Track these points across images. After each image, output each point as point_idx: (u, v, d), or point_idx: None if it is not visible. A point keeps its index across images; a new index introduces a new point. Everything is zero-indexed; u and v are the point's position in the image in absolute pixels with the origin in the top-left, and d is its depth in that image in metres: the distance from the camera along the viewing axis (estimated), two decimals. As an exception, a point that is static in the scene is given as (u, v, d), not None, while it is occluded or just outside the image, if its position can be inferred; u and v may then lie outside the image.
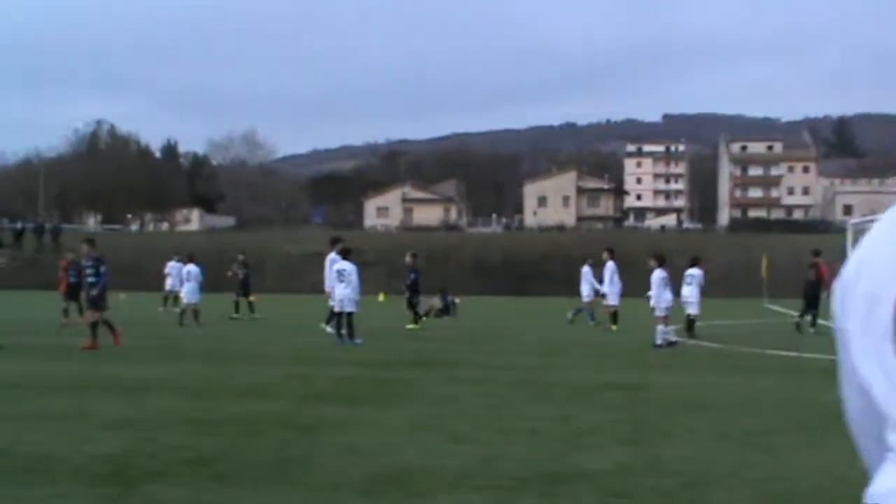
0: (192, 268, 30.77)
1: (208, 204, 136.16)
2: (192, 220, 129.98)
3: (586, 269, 29.99)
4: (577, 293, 30.92)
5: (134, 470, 7.69)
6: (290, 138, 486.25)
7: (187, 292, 30.25)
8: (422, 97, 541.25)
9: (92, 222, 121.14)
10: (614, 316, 28.18)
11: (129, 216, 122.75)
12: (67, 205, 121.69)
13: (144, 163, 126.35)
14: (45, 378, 14.05)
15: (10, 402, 11.39)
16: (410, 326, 27.72)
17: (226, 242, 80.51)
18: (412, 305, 28.68)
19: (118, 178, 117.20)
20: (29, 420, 10.09)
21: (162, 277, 38.60)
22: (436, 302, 37.28)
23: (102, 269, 19.79)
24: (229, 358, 17.80)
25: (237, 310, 32.73)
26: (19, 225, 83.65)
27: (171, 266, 36.97)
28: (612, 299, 28.61)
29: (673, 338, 21.73)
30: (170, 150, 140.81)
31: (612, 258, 28.93)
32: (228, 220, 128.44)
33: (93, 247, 20.32)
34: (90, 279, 19.71)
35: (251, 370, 15.49)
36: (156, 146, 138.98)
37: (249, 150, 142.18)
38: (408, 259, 29.92)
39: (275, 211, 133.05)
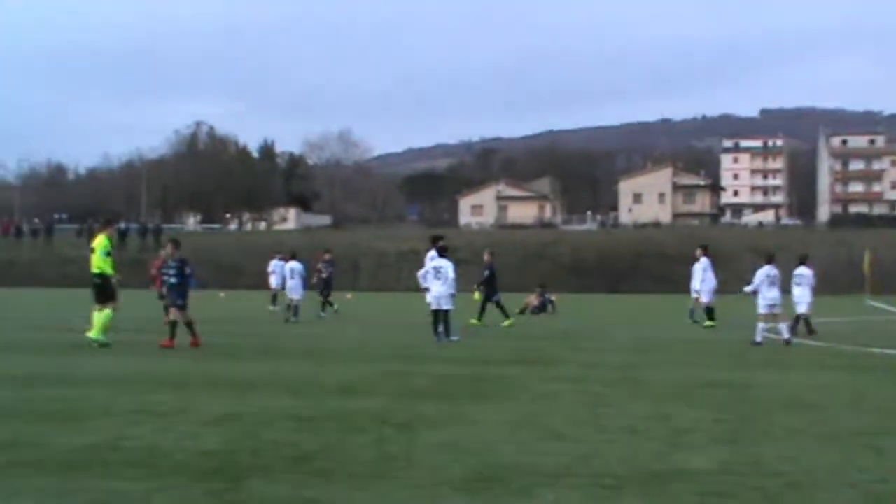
0: (294, 265, 31.23)
1: (305, 203, 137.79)
2: (289, 219, 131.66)
3: (697, 266, 29.52)
4: (686, 290, 30.39)
5: (237, 465, 7.79)
6: (385, 137, 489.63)
7: (291, 289, 30.70)
8: (516, 95, 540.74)
9: (192, 222, 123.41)
10: (710, 312, 27.79)
11: (228, 216, 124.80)
12: (168, 205, 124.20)
13: (242, 163, 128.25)
14: (150, 375, 14.33)
15: (115, 398, 11.64)
16: (506, 324, 27.65)
17: (322, 241, 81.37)
18: (497, 304, 28.55)
19: (217, 178, 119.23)
20: (134, 415, 10.30)
21: (265, 276, 39.10)
22: (532, 299, 37.15)
23: (187, 269, 20.17)
24: (327, 355, 17.97)
25: (323, 308, 32.88)
26: (122, 225, 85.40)
27: (274, 264, 37.37)
28: (706, 297, 28.23)
29: (786, 334, 21.19)
30: (267, 150, 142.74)
31: (705, 254, 28.60)
32: (324, 219, 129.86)
33: (177, 248, 20.57)
34: (172, 280, 20.05)
35: (349, 367, 15.62)
36: (253, 146, 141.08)
37: (345, 150, 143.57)
38: (486, 257, 29.91)
39: (370, 209, 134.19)
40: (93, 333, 19.30)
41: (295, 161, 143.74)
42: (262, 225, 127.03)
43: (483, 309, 28.48)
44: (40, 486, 7.08)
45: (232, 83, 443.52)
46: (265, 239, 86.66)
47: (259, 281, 65.51)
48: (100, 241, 19.95)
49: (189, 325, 19.55)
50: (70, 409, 10.70)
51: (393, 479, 7.37)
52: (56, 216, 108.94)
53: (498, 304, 28.42)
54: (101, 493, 6.85)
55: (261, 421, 9.95)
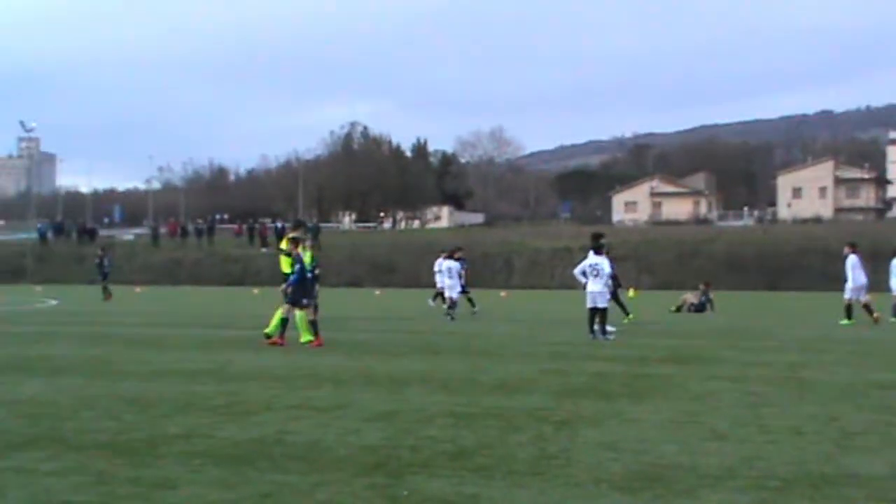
0: (451, 263, 31.45)
1: (457, 201, 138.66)
2: (442, 217, 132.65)
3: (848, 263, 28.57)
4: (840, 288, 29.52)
5: (398, 461, 7.88)
6: (537, 134, 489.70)
7: (449, 287, 30.97)
8: (669, 89, 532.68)
9: (347, 221, 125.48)
10: (848, 311, 27.00)
11: (382, 214, 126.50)
12: (324, 204, 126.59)
13: (396, 162, 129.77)
14: (307, 371, 14.63)
15: (276, 394, 11.92)
16: (626, 320, 27.39)
17: (475, 239, 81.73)
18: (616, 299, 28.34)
19: (371, 177, 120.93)
20: (295, 410, 10.53)
21: (418, 273, 39.45)
22: (689, 296, 36.51)
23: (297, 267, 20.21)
24: (483, 352, 18.03)
25: (473, 304, 32.84)
26: (279, 224, 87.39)
27: (440, 263, 37.48)
28: (850, 294, 27.40)
29: None
30: (420, 148, 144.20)
31: (853, 251, 27.76)
32: (477, 217, 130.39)
33: (296, 246, 20.40)
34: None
35: (506, 365, 15.63)
36: (406, 146, 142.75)
37: (497, 147, 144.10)
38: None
39: (522, 207, 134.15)
40: (302, 338, 19.72)
41: (447, 159, 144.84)
42: (416, 223, 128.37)
43: (621, 306, 28.31)
44: (211, 476, 7.31)
45: (384, 83, 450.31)
46: (419, 237, 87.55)
47: (412, 278, 66.35)
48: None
49: (310, 323, 19.75)
50: (235, 404, 11.01)
51: (552, 477, 7.34)
52: (218, 216, 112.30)
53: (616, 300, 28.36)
54: (268, 486, 7.03)
55: (419, 417, 10.04)
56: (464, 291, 32.73)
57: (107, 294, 45.00)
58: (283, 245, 20.52)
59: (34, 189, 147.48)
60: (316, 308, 20.06)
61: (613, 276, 28.22)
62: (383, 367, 15.14)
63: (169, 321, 28.21)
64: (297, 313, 19.76)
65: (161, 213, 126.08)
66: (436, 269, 36.21)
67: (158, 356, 17.00)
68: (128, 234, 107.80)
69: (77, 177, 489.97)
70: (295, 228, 21.82)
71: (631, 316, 27.80)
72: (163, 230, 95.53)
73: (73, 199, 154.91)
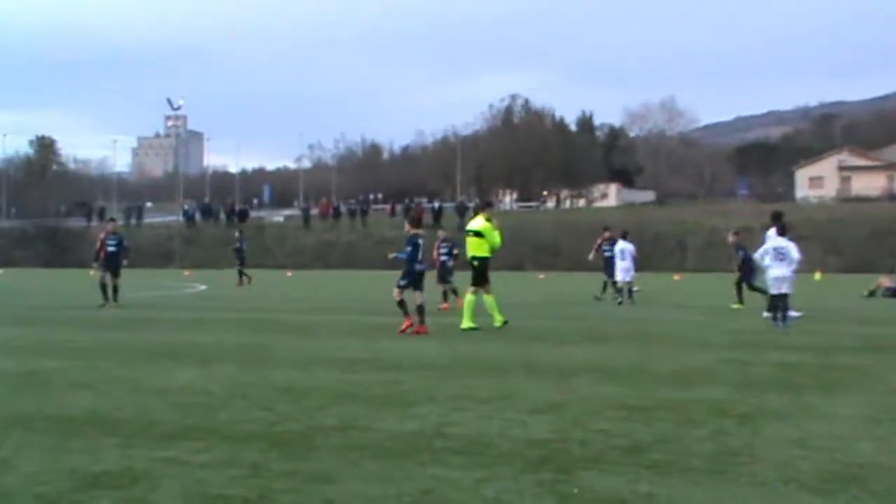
0: (625, 245, 31.18)
1: (626, 178, 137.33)
2: (610, 196, 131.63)
3: None
4: None
5: (566, 456, 7.86)
6: (713, 105, 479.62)
7: (621, 270, 30.78)
8: (859, 53, 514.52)
9: (508, 200, 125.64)
10: None
11: (545, 193, 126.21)
12: (483, 183, 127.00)
13: (559, 137, 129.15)
14: (467, 359, 14.73)
15: (436, 383, 12.04)
16: (736, 306, 27.32)
17: (645, 218, 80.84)
18: (742, 287, 27.73)
19: (533, 153, 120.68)
20: (456, 401, 10.61)
21: (584, 256, 39.17)
22: (885, 280, 35.32)
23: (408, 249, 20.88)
24: (656, 340, 17.84)
25: (604, 289, 32.35)
26: (436, 204, 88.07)
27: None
28: None
29: None
30: (585, 122, 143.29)
31: None
32: (647, 195, 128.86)
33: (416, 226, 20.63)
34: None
35: (681, 353, 15.42)
36: (570, 119, 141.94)
37: (668, 120, 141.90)
38: (730, 238, 29.03)
39: (696, 184, 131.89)
40: (463, 324, 20.09)
41: (615, 133, 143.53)
42: (581, 202, 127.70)
43: (740, 296, 28.17)
44: (370, 470, 7.42)
45: (547, 52, 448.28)
46: (584, 217, 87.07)
47: (578, 262, 66.10)
48: (483, 224, 20.59)
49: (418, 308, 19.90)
50: (393, 394, 11.17)
51: (734, 476, 7.21)
52: (371, 196, 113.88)
53: (741, 287, 27.83)
54: (429, 481, 7.09)
55: (589, 409, 10.00)
56: (609, 275, 32.51)
57: (242, 279, 46.02)
58: (478, 227, 20.57)
59: (181, 169, 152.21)
60: (455, 292, 20.52)
61: (748, 259, 27.75)
62: (549, 356, 15.14)
63: (322, 307, 28.82)
64: (467, 297, 20.10)
65: (312, 193, 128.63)
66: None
67: (312, 343, 17.39)
68: (277, 216, 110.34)
69: (225, 156, 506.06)
70: (483, 208, 22.00)
71: (740, 306, 27.84)
72: (314, 211, 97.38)
73: (221, 180, 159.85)
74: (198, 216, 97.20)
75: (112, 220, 33.90)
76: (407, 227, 20.92)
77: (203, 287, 44.49)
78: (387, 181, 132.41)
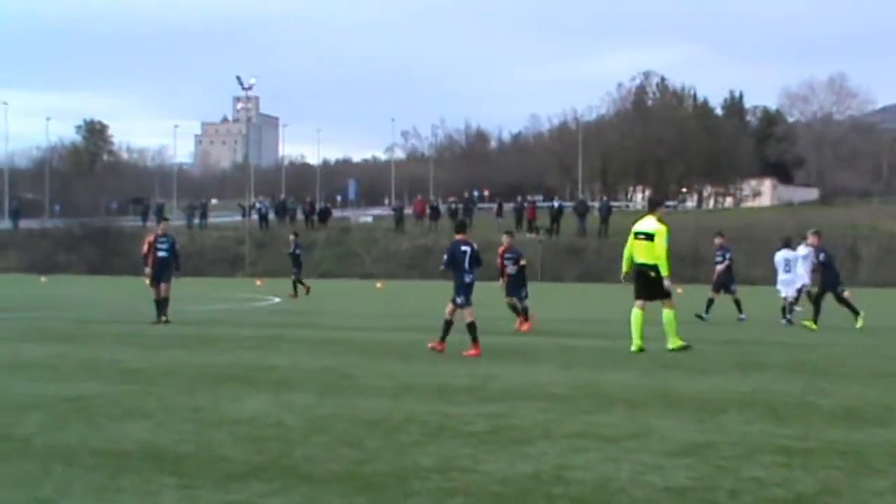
0: (789, 254, 30.75)
1: (783, 172, 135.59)
2: (764, 193, 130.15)
3: None
4: None
5: (712, 508, 7.77)
6: (892, 84, 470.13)
7: (782, 283, 30.49)
8: None
9: (639, 199, 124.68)
10: None
11: (684, 190, 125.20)
12: (610, 177, 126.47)
13: (702, 122, 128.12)
14: (590, 388, 14.70)
15: (552, 416, 11.99)
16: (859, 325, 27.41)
17: (806, 221, 79.65)
18: (814, 295, 28.59)
19: (670, 142, 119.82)
20: (578, 439, 10.56)
21: (751, 267, 38.72)
22: None
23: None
24: (821, 370, 17.59)
25: (709, 307, 31.81)
26: (555, 203, 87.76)
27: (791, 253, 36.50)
28: None
29: None
30: (733, 105, 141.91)
31: None
32: (810, 193, 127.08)
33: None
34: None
35: (851, 386, 15.17)
36: (715, 102, 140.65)
37: (837, 102, 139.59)
38: (810, 239, 29.00)
39: (872, 179, 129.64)
40: (670, 343, 20.19)
41: (770, 118, 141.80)
42: (729, 201, 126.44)
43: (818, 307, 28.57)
44: (473, 521, 7.41)
45: (686, 21, 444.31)
46: (733, 220, 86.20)
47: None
48: (656, 226, 20.64)
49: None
50: (501, 430, 11.15)
51: (922, 538, 7.05)
52: (476, 193, 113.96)
53: (813, 294, 28.63)
54: (546, 535, 7.06)
55: (739, 452, 9.88)
56: (727, 288, 32.27)
57: (297, 289, 46.68)
58: (650, 228, 20.47)
59: (252, 160, 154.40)
60: (525, 311, 21.44)
61: (826, 264, 27.60)
62: (689, 386, 15.00)
63: (416, 324, 28.89)
64: (665, 312, 20.10)
65: (405, 189, 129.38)
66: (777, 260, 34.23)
67: (404, 368, 17.46)
68: (365, 216, 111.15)
69: (303, 145, 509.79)
70: (657, 206, 21.75)
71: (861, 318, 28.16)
72: (408, 210, 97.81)
73: (299, 173, 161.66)
74: (271, 215, 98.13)
75: (165, 219, 33.36)
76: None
77: (277, 299, 44.96)
78: (494, 175, 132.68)
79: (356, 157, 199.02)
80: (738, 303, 31.79)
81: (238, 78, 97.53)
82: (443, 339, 20.54)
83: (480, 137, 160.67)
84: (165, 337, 23.84)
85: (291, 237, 51.10)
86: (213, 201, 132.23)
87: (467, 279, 20.69)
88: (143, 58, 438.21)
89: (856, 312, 28.18)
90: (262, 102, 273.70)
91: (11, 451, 9.96)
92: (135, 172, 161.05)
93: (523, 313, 26.92)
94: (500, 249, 27.43)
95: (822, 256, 28.53)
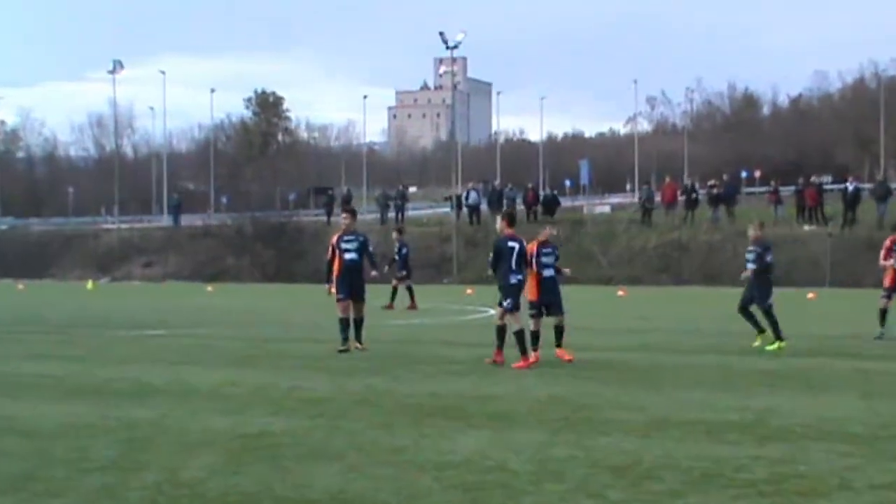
0: None
1: None
2: None
3: None
4: None
5: None
6: None
7: None
8: None
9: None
10: None
11: None
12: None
13: None
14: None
15: (855, 464, 11.79)
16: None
17: None
18: None
19: None
20: (890, 491, 10.36)
21: None
22: None
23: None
24: None
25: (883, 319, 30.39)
26: (849, 185, 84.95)
27: None
28: None
29: None
30: None
31: None
32: None
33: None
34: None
35: None
36: None
37: None
38: None
39: None
40: None
41: None
42: None
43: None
44: None
45: None
46: None
47: None
48: None
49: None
50: (785, 479, 11.10)
51: None
52: (743, 174, 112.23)
53: None
54: None
55: None
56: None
57: (395, 299, 45.57)
58: None
59: (460, 137, 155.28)
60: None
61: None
62: None
63: (669, 342, 28.71)
64: None
65: (652, 169, 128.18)
66: None
67: (656, 398, 17.39)
68: (601, 205, 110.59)
69: (523, 117, 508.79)
70: None
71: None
72: (655, 197, 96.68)
73: (518, 152, 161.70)
74: (484, 206, 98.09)
75: (349, 210, 29.34)
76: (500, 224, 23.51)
77: (492, 311, 45.10)
78: (767, 150, 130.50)
79: (589, 132, 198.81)
80: None
81: (441, 34, 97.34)
82: (499, 347, 22.18)
83: (749, 102, 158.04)
84: (357, 360, 24.12)
85: (395, 235, 50.37)
86: (412, 189, 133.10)
87: (513, 280, 22.20)
88: (324, 14, 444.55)
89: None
90: (470, 65, 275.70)
91: (180, 499, 10.22)
92: (316, 155, 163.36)
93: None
94: (532, 245, 24.12)
95: None
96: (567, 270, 25.02)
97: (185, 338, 30.92)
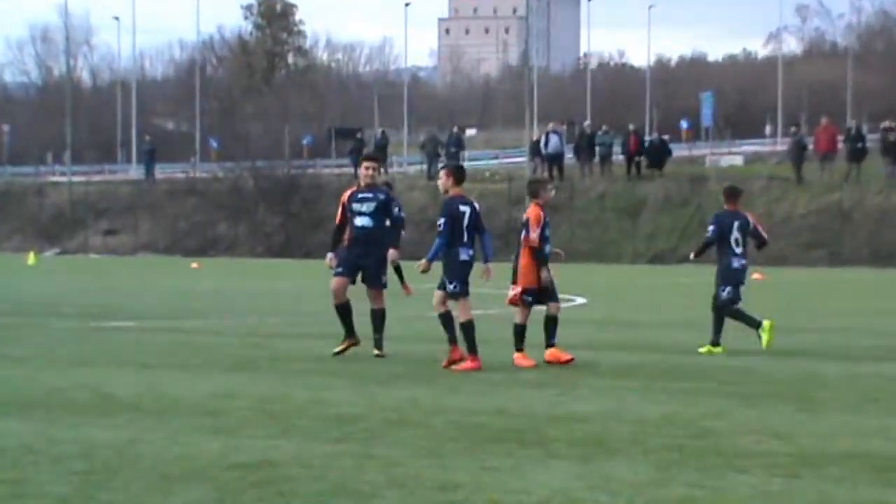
0: None
1: None
2: None
3: None
4: None
5: None
6: None
7: None
8: None
9: None
10: None
11: None
12: None
13: None
14: None
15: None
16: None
17: None
18: None
19: None
20: None
21: None
22: None
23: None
24: None
25: None
26: None
27: None
28: None
29: None
30: None
31: None
32: None
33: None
34: None
35: None
36: None
37: None
38: None
39: None
40: None
41: None
42: None
43: None
44: None
45: None
46: None
47: None
48: None
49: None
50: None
51: None
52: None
53: None
54: None
55: None
56: None
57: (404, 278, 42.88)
58: None
59: (536, 61, 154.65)
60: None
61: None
62: None
63: (827, 344, 28.77)
64: None
65: (803, 106, 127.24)
66: None
67: (808, 422, 17.34)
68: (730, 156, 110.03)
69: (622, 34, 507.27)
70: None
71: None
72: (808, 146, 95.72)
73: (615, 82, 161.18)
74: (569, 155, 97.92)
75: (371, 158, 28.15)
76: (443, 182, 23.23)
77: (580, 300, 45.14)
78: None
79: (714, 55, 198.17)
80: None
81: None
82: (451, 340, 22.38)
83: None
84: (392, 364, 24.04)
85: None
86: (470, 132, 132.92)
87: (464, 256, 22.00)
88: None
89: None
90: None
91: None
92: (340, 85, 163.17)
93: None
94: (537, 211, 24.04)
95: None
96: (562, 252, 25.58)
97: (162, 332, 31.09)
